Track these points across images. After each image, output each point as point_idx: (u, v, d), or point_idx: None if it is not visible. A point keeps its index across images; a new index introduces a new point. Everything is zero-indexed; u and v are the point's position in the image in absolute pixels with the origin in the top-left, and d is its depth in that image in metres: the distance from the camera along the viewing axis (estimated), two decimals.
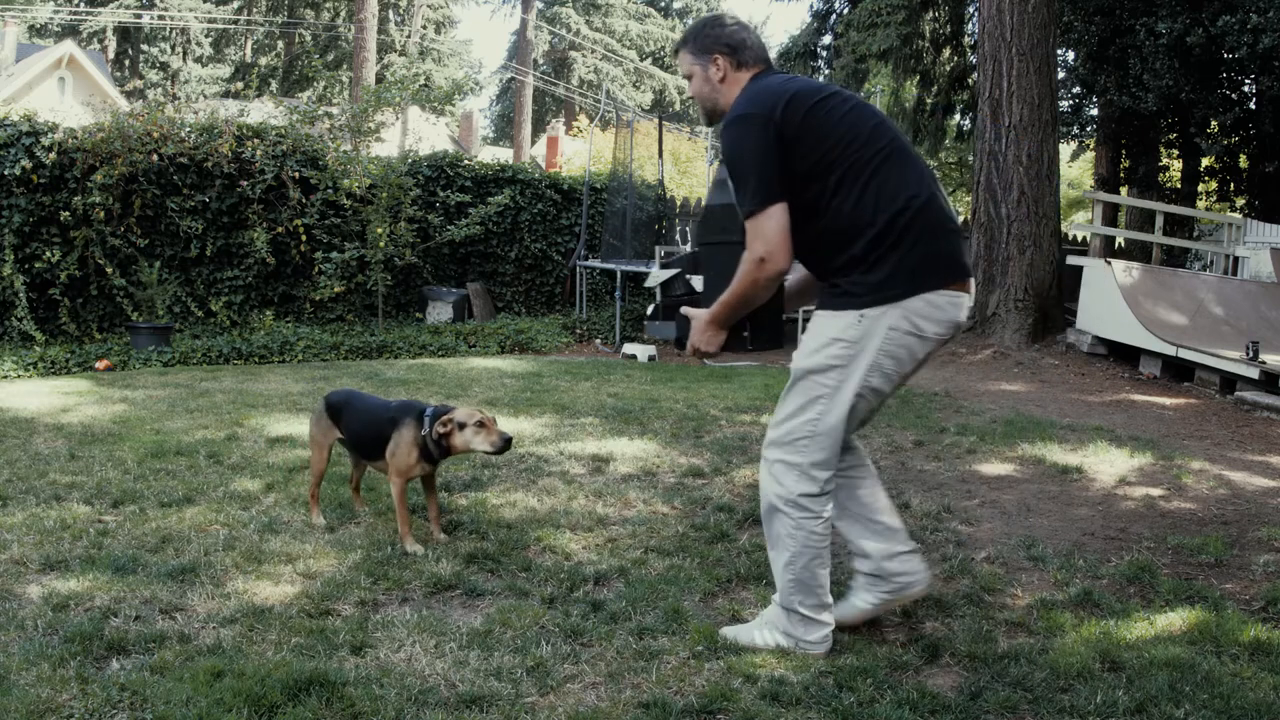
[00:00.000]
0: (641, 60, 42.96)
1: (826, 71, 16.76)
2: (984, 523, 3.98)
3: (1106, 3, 13.00)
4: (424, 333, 9.94)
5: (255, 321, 9.79)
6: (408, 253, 10.50)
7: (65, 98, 25.52)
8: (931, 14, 15.68)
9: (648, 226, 12.63)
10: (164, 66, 40.95)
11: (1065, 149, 17.40)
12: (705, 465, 4.79)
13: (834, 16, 16.74)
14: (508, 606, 2.91)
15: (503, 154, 33.14)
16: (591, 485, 4.37)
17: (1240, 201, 15.53)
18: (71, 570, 3.11)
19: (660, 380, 7.61)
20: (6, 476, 4.25)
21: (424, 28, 39.96)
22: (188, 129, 9.69)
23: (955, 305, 2.54)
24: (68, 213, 8.87)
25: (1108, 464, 5.02)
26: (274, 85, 38.12)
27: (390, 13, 38.05)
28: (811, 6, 17.35)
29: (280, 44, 39.71)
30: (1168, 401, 7.33)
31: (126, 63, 40.19)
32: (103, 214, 8.98)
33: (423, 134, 13.79)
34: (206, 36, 40.74)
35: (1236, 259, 11.13)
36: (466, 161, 12.05)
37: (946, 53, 16.36)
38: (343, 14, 37.52)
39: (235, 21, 40.09)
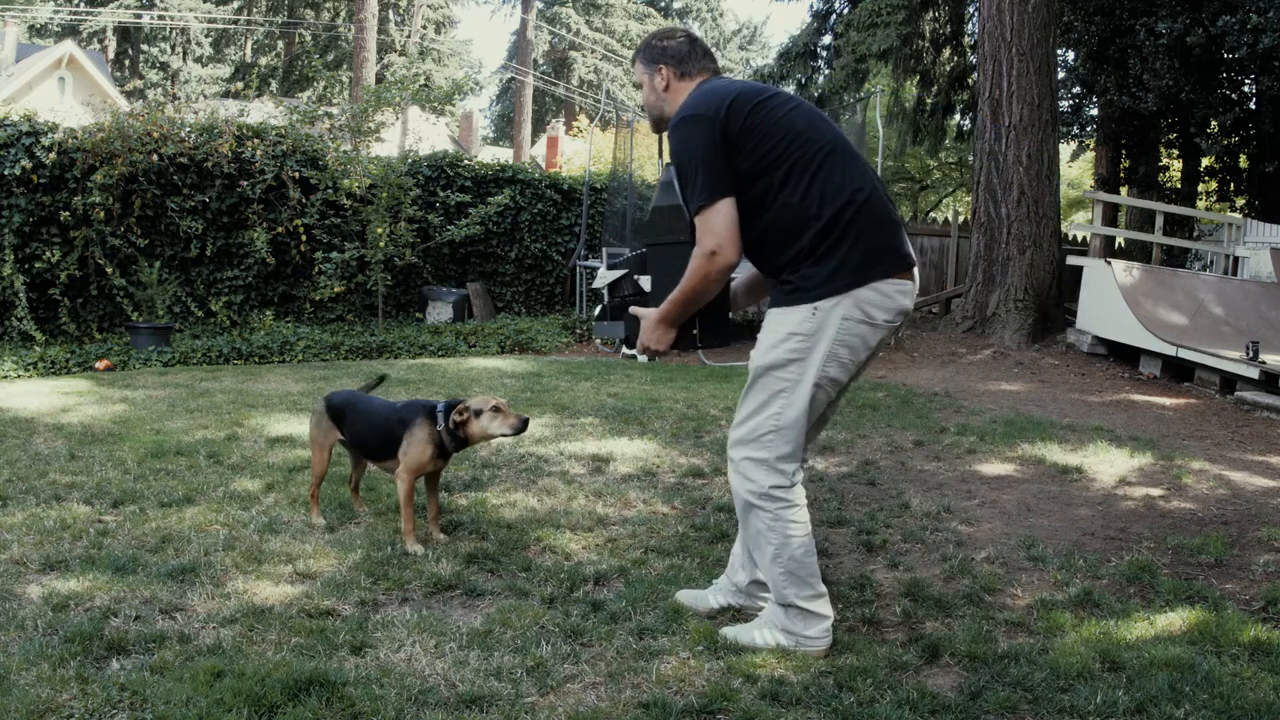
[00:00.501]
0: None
1: (827, 71, 16.75)
2: (984, 523, 3.98)
3: (1106, 3, 12.99)
4: (424, 333, 9.94)
5: (255, 321, 9.79)
6: (408, 253, 10.50)
7: (65, 98, 25.51)
8: (931, 14, 15.67)
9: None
10: (164, 66, 40.95)
11: (1065, 149, 17.39)
12: (705, 465, 4.79)
13: (834, 16, 16.72)
14: (508, 606, 2.91)
15: (503, 154, 33.14)
16: (591, 485, 4.37)
17: (1240, 201, 15.52)
18: (71, 570, 3.11)
19: (660, 380, 7.61)
20: (6, 476, 4.25)
21: (424, 28, 39.96)
22: (188, 129, 9.69)
23: (902, 293, 2.63)
24: (68, 213, 8.87)
25: (1108, 464, 5.02)
26: (274, 85, 38.12)
27: (390, 13, 38.04)
28: (811, 6, 17.33)
29: (280, 44, 39.70)
30: (1168, 401, 7.33)
31: (126, 63, 40.19)
32: (103, 214, 8.98)
33: (423, 134, 13.78)
34: (206, 36, 40.74)
35: (1236, 259, 11.13)
36: (466, 161, 12.06)
37: (946, 53, 16.35)
38: (343, 14, 37.52)
39: (235, 21, 40.09)
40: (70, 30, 36.63)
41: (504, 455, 4.90)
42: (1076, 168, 24.49)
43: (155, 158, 9.26)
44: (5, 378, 7.59)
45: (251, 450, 4.85)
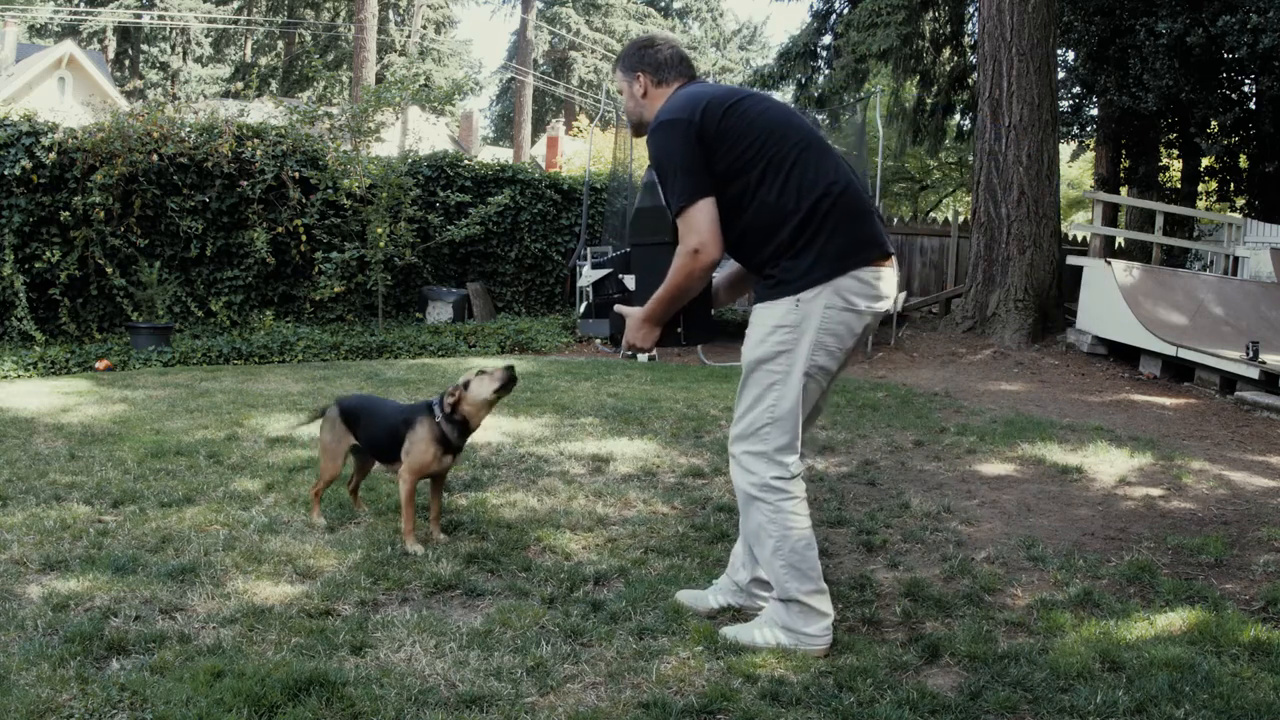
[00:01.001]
0: None
1: (827, 71, 16.75)
2: (984, 523, 3.98)
3: (1106, 3, 12.99)
4: (424, 333, 9.94)
5: (255, 321, 9.79)
6: (408, 253, 10.50)
7: (65, 98, 25.50)
8: (931, 14, 15.67)
9: None
10: (164, 66, 40.94)
11: (1065, 149, 17.39)
12: (705, 465, 4.79)
13: (834, 16, 16.72)
14: (508, 606, 2.91)
15: (503, 154, 33.14)
16: (591, 485, 4.37)
17: (1240, 201, 15.52)
18: (71, 570, 3.11)
19: (660, 380, 7.61)
20: (6, 476, 4.25)
21: (424, 28, 39.96)
22: (188, 129, 9.69)
23: (883, 280, 2.69)
24: (68, 213, 8.87)
25: (1108, 464, 5.02)
26: (274, 85, 38.11)
27: (390, 13, 38.04)
28: (811, 6, 17.34)
29: (280, 44, 39.70)
30: (1168, 401, 7.33)
31: (126, 63, 40.19)
32: (103, 214, 8.98)
33: (423, 134, 13.78)
34: (206, 36, 40.74)
35: (1236, 259, 11.13)
36: (466, 161, 12.05)
37: (946, 53, 16.35)
38: (343, 14, 37.51)
39: (235, 21, 40.09)
40: (70, 30, 36.63)
41: (504, 455, 4.90)
42: (1076, 168, 24.49)
43: (155, 158, 9.26)
44: (5, 378, 7.59)
45: (251, 450, 4.85)
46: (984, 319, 10.17)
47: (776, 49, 19.81)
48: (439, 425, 3.39)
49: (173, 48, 40.66)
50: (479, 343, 9.82)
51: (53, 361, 8.08)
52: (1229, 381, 7.61)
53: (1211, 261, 12.44)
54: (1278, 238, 11.00)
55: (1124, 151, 15.36)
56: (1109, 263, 9.41)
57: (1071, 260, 10.30)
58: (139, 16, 38.59)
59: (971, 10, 15.70)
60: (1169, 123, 14.54)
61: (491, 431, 5.40)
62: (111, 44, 39.29)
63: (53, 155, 8.80)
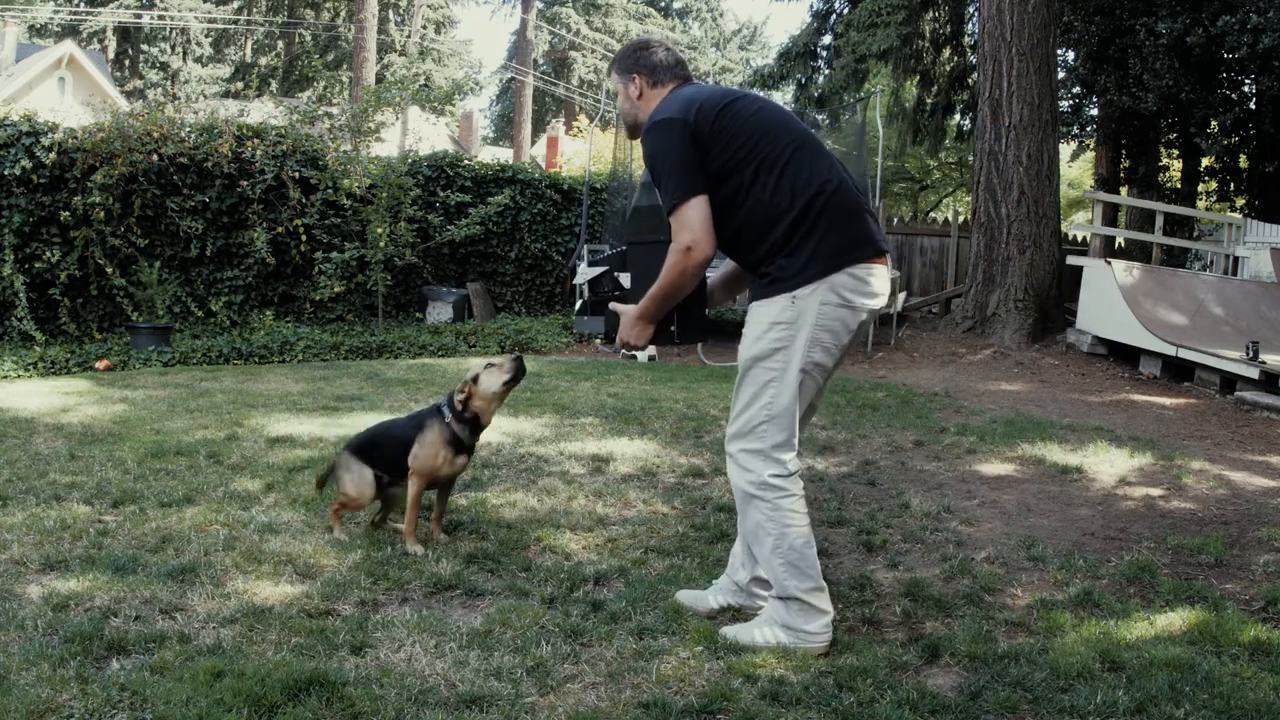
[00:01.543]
0: None
1: (827, 71, 16.76)
2: (984, 523, 3.98)
3: (1106, 3, 12.99)
4: (424, 333, 9.94)
5: (255, 321, 9.79)
6: (408, 253, 10.50)
7: (65, 98, 25.50)
8: (931, 14, 15.67)
9: None
10: (164, 66, 40.94)
11: (1065, 149, 17.39)
12: (705, 465, 4.79)
13: (834, 16, 16.72)
14: (508, 606, 2.91)
15: (503, 154, 33.14)
16: (591, 485, 4.37)
17: (1240, 201, 15.52)
18: (71, 570, 3.11)
19: (660, 380, 7.61)
20: (6, 476, 4.25)
21: (424, 28, 39.96)
22: (188, 129, 9.69)
23: (877, 277, 2.71)
24: (68, 213, 8.87)
25: (1108, 464, 5.02)
26: (274, 85, 38.10)
27: (390, 13, 38.04)
28: (811, 6, 17.34)
29: (280, 44, 39.70)
30: (1168, 401, 7.33)
31: (126, 63, 40.18)
32: (103, 214, 8.98)
33: (423, 134, 13.78)
34: (206, 36, 40.74)
35: (1236, 259, 11.13)
36: (466, 161, 12.05)
37: (946, 53, 16.35)
38: (343, 14, 37.51)
39: (235, 21, 40.08)
40: (70, 30, 36.62)
41: (504, 455, 4.90)
42: (1076, 168, 24.49)
43: (155, 158, 9.25)
44: (5, 378, 7.59)
45: (251, 450, 4.85)
46: (984, 319, 10.17)
47: (776, 49, 19.82)
48: (449, 426, 3.36)
49: (173, 48, 40.66)
50: (479, 343, 9.82)
51: (53, 361, 8.08)
52: (1229, 381, 7.61)
53: (1211, 261, 12.44)
54: (1278, 238, 11.00)
55: (1124, 151, 15.36)
56: (1109, 263, 9.41)
57: (1071, 260, 10.30)
58: (139, 16, 38.59)
59: (971, 10, 15.70)
60: (1169, 123, 14.54)
61: (491, 431, 5.40)
62: (111, 44, 39.29)
63: (53, 155, 8.80)
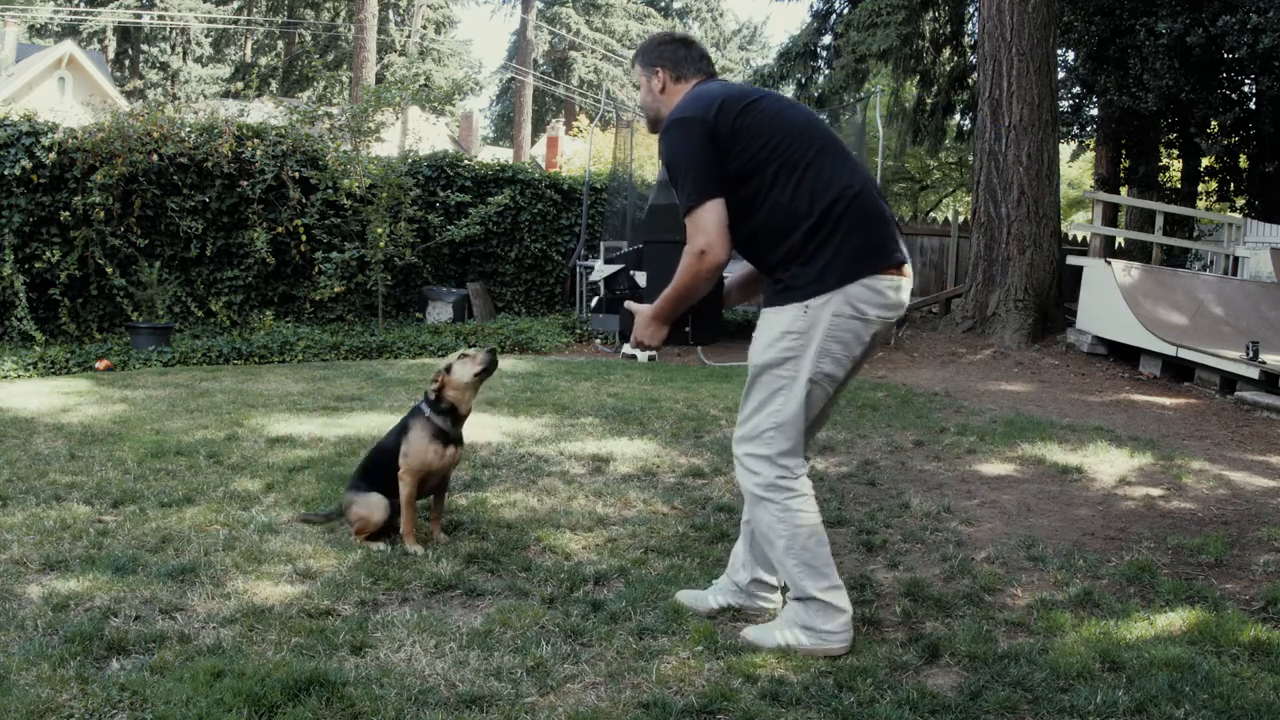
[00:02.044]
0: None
1: (827, 71, 16.76)
2: (984, 523, 3.98)
3: (1106, 3, 12.99)
4: (424, 333, 9.94)
5: (255, 321, 9.79)
6: (408, 253, 10.50)
7: (65, 98, 25.50)
8: (931, 14, 15.67)
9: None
10: (164, 66, 40.94)
11: (1065, 149, 17.38)
12: (705, 465, 4.79)
13: (834, 16, 16.72)
14: (508, 606, 2.91)
15: (503, 154, 33.14)
16: (591, 485, 4.37)
17: (1240, 201, 15.52)
18: (71, 570, 3.11)
19: (660, 380, 7.61)
20: (6, 476, 4.25)
21: (424, 28, 39.95)
22: (188, 129, 9.69)
23: (894, 289, 2.66)
24: (68, 213, 8.86)
25: (1108, 464, 5.02)
26: (274, 85, 38.10)
27: (390, 13, 38.04)
28: (811, 6, 17.34)
29: (280, 44, 39.69)
30: (1168, 401, 7.33)
31: (126, 63, 40.18)
32: (103, 214, 8.97)
33: (423, 134, 13.78)
34: (206, 36, 40.74)
35: (1236, 259, 11.13)
36: (466, 161, 12.05)
37: (946, 53, 16.35)
38: (343, 14, 37.51)
39: (235, 21, 40.08)
40: (70, 30, 36.62)
41: (504, 455, 4.90)
42: (1076, 168, 24.49)
43: (155, 158, 9.25)
44: (5, 378, 7.59)
45: (251, 450, 4.85)
46: (984, 319, 10.17)
47: (776, 49, 19.81)
48: (430, 420, 3.39)
49: (173, 48, 40.65)
50: (479, 343, 9.81)
51: (53, 361, 8.08)
52: (1229, 381, 7.61)
53: (1211, 261, 12.44)
54: (1278, 238, 11.00)
55: (1124, 151, 15.36)
56: (1109, 263, 9.41)
57: (1071, 260, 10.30)
58: (139, 16, 38.59)
59: (971, 10, 15.70)
60: (1169, 123, 14.53)
61: (491, 431, 5.41)
62: (111, 44, 39.28)
63: (53, 155, 8.80)
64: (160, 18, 38.62)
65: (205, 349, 8.64)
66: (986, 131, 10.17)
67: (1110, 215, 13.03)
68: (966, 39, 16.19)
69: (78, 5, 37.64)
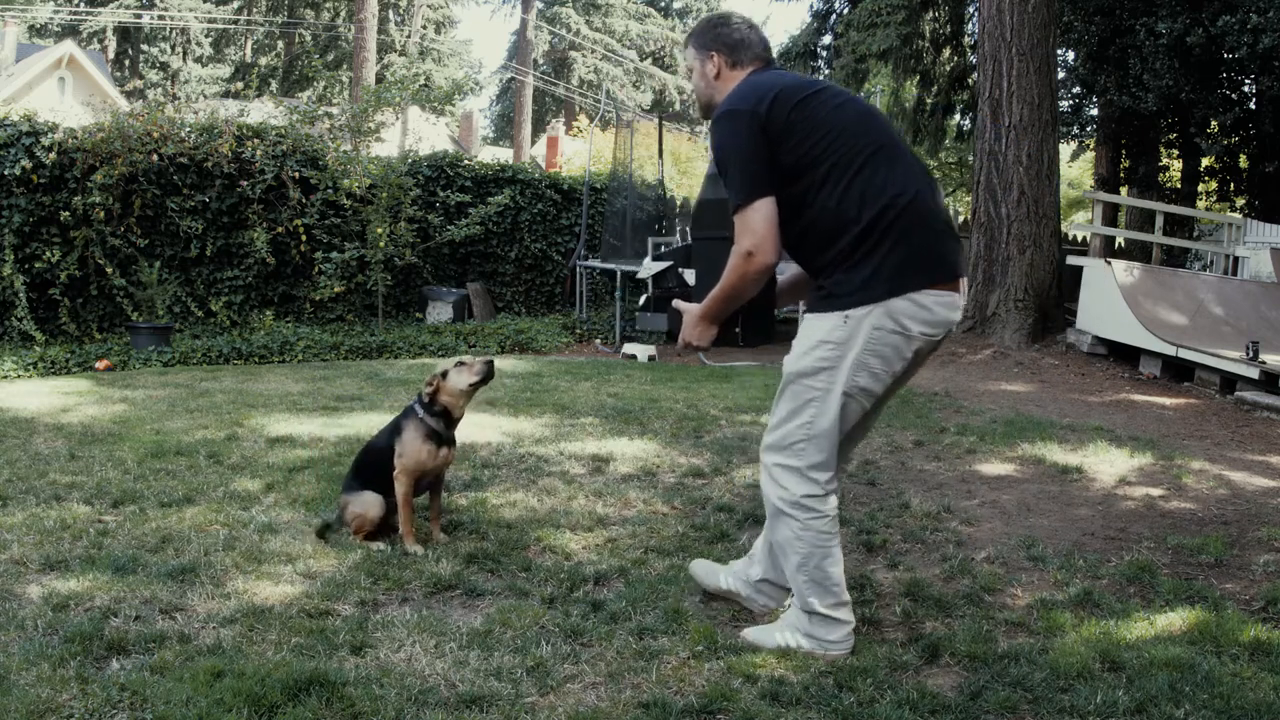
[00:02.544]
0: (641, 60, 42.97)
1: (826, 71, 16.76)
2: (984, 523, 3.98)
3: (1106, 3, 13.00)
4: (424, 333, 9.94)
5: (255, 321, 9.79)
6: (408, 253, 10.50)
7: (65, 98, 25.50)
8: (931, 14, 15.68)
9: (648, 226, 12.62)
10: (164, 66, 40.94)
11: (1065, 149, 17.40)
12: (705, 465, 4.79)
13: (834, 16, 16.74)
14: (508, 606, 2.91)
15: (503, 154, 33.14)
16: (591, 485, 4.37)
17: (1240, 201, 15.53)
18: (71, 570, 3.11)
19: (660, 380, 7.60)
20: (6, 476, 4.25)
21: (424, 28, 39.95)
22: (188, 129, 9.69)
23: (943, 305, 2.53)
24: (68, 213, 8.87)
25: (1108, 464, 5.02)
26: (274, 85, 38.11)
27: (390, 13, 38.04)
28: (811, 6, 17.37)
29: (280, 44, 39.70)
30: (1168, 401, 7.33)
31: (126, 63, 40.19)
32: (103, 214, 8.98)
33: (423, 134, 13.78)
34: (206, 36, 40.74)
35: (1236, 259, 11.13)
36: (466, 161, 12.05)
37: (946, 53, 16.36)
38: (343, 14, 37.51)
39: (235, 21, 40.09)
40: (70, 30, 36.63)
41: (504, 455, 4.90)
42: (1076, 168, 24.51)
43: (155, 158, 9.25)
44: (5, 378, 7.59)
45: (251, 450, 4.85)
46: (984, 319, 10.16)
47: (776, 49, 19.82)
48: (423, 421, 3.40)
49: (173, 48, 40.66)
50: (479, 343, 9.81)
51: (53, 361, 8.08)
52: (1229, 381, 7.61)
53: (1211, 261, 12.45)
54: (1278, 238, 11.00)
55: (1124, 151, 15.36)
56: (1109, 263, 9.41)
57: (1071, 260, 10.29)
58: (139, 16, 38.59)
59: (971, 10, 15.70)
60: (1169, 123, 14.54)
61: (491, 431, 5.41)
62: (111, 44, 39.29)
63: (53, 155, 8.80)
64: (160, 18, 38.63)
65: (205, 349, 8.64)
66: (986, 131, 10.17)
67: (1110, 215, 13.04)
68: (966, 39, 16.20)
69: (78, 5, 37.65)
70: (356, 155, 10.35)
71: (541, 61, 41.59)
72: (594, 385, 7.25)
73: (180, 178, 9.56)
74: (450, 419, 3.44)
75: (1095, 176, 15.66)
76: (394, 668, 2.51)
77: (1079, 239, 15.10)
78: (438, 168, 11.55)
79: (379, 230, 9.91)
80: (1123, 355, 9.01)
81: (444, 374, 3.39)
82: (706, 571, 2.97)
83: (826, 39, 16.93)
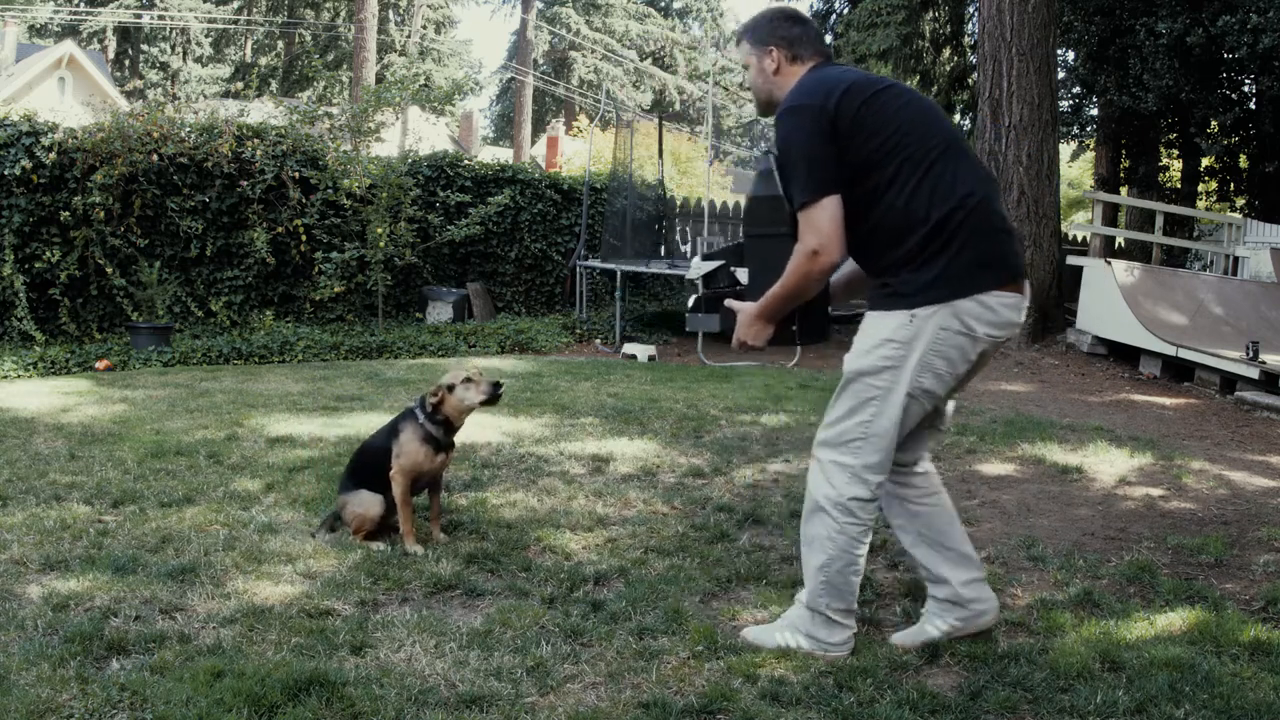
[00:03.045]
0: (641, 60, 42.98)
1: None
2: (984, 523, 3.98)
3: (1106, 3, 13.00)
4: (424, 333, 9.94)
5: (255, 321, 9.79)
6: (408, 253, 10.50)
7: (65, 98, 25.50)
8: (931, 14, 15.70)
9: (648, 226, 12.62)
10: (164, 66, 40.95)
11: (1065, 149, 17.40)
12: (705, 465, 4.79)
13: (834, 16, 16.77)
14: (508, 606, 2.91)
15: (503, 154, 33.14)
16: (591, 485, 4.37)
17: (1240, 201, 15.54)
18: (71, 570, 3.11)
19: (660, 380, 7.60)
20: (6, 476, 4.25)
21: (424, 28, 39.96)
22: (188, 129, 9.68)
23: (1009, 306, 2.51)
24: (68, 213, 8.86)
25: (1108, 464, 5.02)
26: (274, 85, 38.11)
27: (390, 13, 38.04)
28: (811, 6, 17.40)
29: (280, 44, 39.70)
30: (1168, 401, 7.33)
31: (126, 63, 40.19)
32: (103, 214, 8.97)
33: (423, 134, 13.77)
34: (206, 36, 40.74)
35: (1236, 259, 11.13)
36: (466, 161, 12.04)
37: (946, 53, 16.38)
38: (343, 14, 37.52)
39: (235, 21, 40.09)
40: (70, 30, 36.63)
41: (504, 455, 4.90)
42: (1076, 168, 24.51)
43: (155, 158, 9.25)
44: (5, 378, 7.59)
45: (251, 450, 4.85)
46: None
47: None
48: (423, 426, 3.39)
49: (173, 48, 40.66)
50: (479, 343, 9.81)
51: (53, 361, 8.08)
52: (1229, 381, 7.61)
53: (1211, 261, 12.45)
54: (1278, 238, 11.01)
55: (1124, 151, 15.37)
56: (1109, 263, 9.41)
57: (1071, 260, 10.29)
58: (139, 16, 38.59)
59: (971, 10, 15.71)
60: (1169, 123, 14.55)
61: (491, 431, 5.40)
62: (111, 44, 39.29)
63: (53, 155, 8.80)
64: (160, 18, 38.63)
65: (205, 349, 8.64)
66: (986, 131, 10.17)
67: (1110, 215, 13.04)
68: (966, 39, 16.21)
69: (78, 5, 37.65)
70: (356, 155, 10.34)
71: (541, 61, 41.59)
72: (594, 385, 7.25)
73: (180, 178, 9.56)
74: (450, 427, 3.45)
75: (1095, 176, 15.66)
76: (394, 668, 2.51)
77: (1079, 239, 15.10)
78: (438, 168, 11.54)
79: (379, 230, 9.91)
80: (1123, 355, 9.01)
81: (450, 387, 3.37)
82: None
83: (827, 39, 16.94)
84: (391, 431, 3.48)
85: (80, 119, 10.39)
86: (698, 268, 9.72)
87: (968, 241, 2.46)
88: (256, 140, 10.01)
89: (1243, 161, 15.28)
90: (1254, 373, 7.31)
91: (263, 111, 13.15)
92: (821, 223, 2.44)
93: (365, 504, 3.46)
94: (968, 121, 16.71)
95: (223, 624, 2.74)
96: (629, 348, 9.73)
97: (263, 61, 40.30)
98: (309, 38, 38.36)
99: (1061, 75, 13.95)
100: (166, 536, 3.48)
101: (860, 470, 2.55)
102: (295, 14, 38.63)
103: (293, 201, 10.04)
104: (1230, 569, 3.47)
